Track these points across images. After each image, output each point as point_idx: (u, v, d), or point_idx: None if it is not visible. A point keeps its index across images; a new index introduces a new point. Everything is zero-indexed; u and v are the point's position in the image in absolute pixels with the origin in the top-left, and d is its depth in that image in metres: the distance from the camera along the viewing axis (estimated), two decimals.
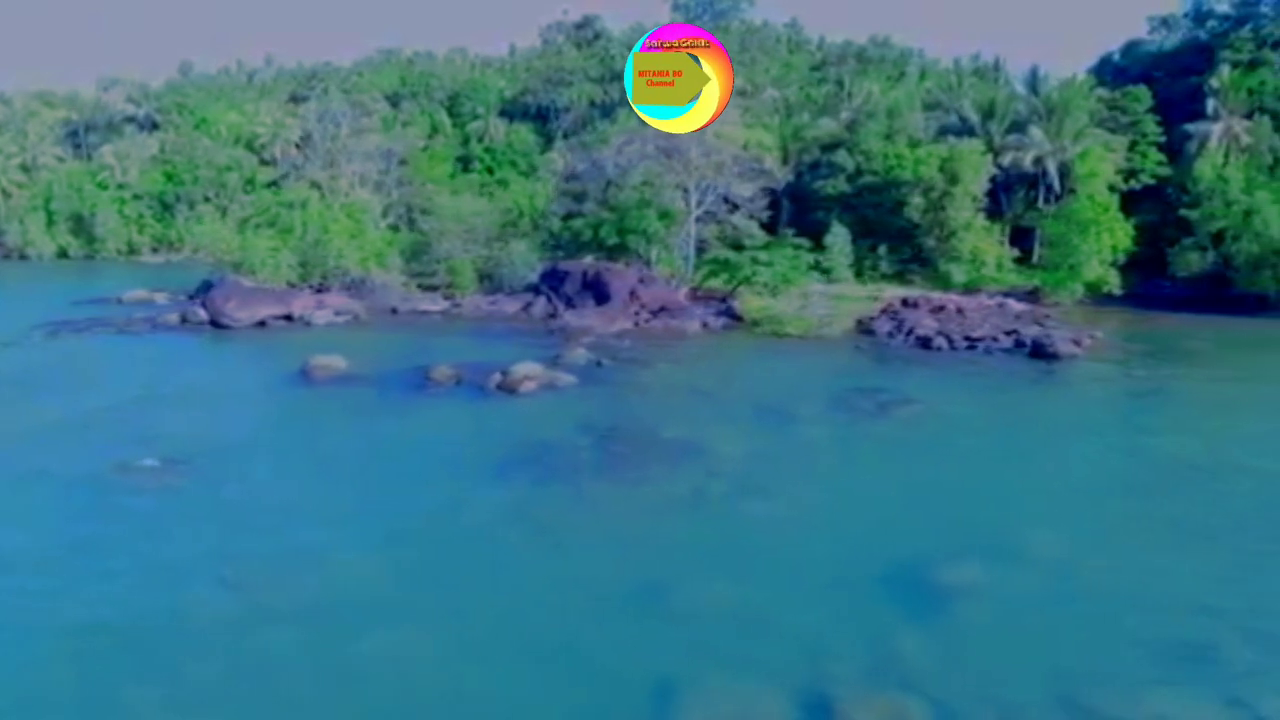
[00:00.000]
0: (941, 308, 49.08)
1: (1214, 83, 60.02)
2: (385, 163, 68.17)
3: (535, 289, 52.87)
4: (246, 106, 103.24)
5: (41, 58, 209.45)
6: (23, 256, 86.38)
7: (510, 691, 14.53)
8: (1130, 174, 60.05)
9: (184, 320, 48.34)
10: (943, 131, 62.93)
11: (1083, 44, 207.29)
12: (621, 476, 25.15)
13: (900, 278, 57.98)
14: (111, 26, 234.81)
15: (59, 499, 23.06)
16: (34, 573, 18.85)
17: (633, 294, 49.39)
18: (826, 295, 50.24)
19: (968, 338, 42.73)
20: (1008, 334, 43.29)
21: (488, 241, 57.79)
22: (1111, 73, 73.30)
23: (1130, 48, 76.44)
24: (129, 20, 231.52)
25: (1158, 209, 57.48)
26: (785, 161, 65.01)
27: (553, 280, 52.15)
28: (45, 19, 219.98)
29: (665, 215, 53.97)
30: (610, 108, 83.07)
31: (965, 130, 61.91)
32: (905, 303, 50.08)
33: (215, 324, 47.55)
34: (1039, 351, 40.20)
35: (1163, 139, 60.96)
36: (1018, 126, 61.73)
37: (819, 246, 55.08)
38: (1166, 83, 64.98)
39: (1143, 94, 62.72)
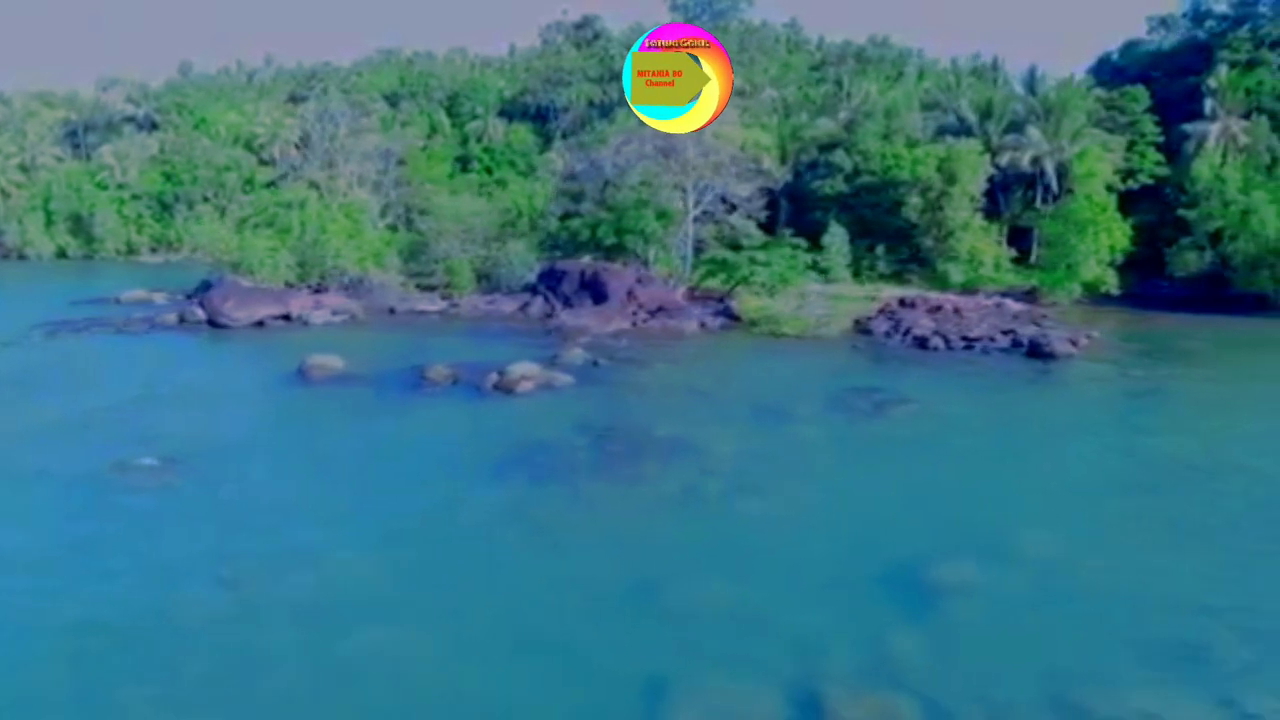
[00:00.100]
0: (939, 308, 49.13)
1: (1212, 83, 60.07)
2: (383, 163, 68.21)
3: (533, 289, 52.92)
4: (246, 106, 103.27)
5: (41, 58, 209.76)
6: (21, 256, 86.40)
7: (504, 690, 14.59)
8: (1128, 174, 60.07)
9: (182, 320, 48.39)
10: (941, 131, 62.97)
11: (1081, 44, 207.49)
12: (617, 476, 25.20)
13: (898, 278, 58.01)
14: (111, 26, 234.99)
15: (57, 498, 23.12)
16: (31, 571, 18.90)
17: (630, 294, 49.43)
18: (824, 295, 50.28)
19: (964, 337, 42.79)
20: (1005, 334, 43.34)
21: (486, 241, 57.84)
22: (1110, 73, 73.35)
23: (1128, 48, 76.46)
24: (129, 20, 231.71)
25: (1156, 209, 57.52)
26: (783, 161, 65.06)
27: (550, 280, 52.19)
28: (45, 19, 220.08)
29: (663, 215, 54.03)
30: (609, 108, 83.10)
31: (963, 130, 61.96)
32: (902, 303, 50.13)
33: (213, 324, 47.60)
34: (1036, 351, 40.27)
35: (1161, 139, 60.99)
36: (1016, 126, 61.78)
37: (817, 246, 55.17)
38: (1165, 83, 65.01)
39: (1141, 94, 62.77)
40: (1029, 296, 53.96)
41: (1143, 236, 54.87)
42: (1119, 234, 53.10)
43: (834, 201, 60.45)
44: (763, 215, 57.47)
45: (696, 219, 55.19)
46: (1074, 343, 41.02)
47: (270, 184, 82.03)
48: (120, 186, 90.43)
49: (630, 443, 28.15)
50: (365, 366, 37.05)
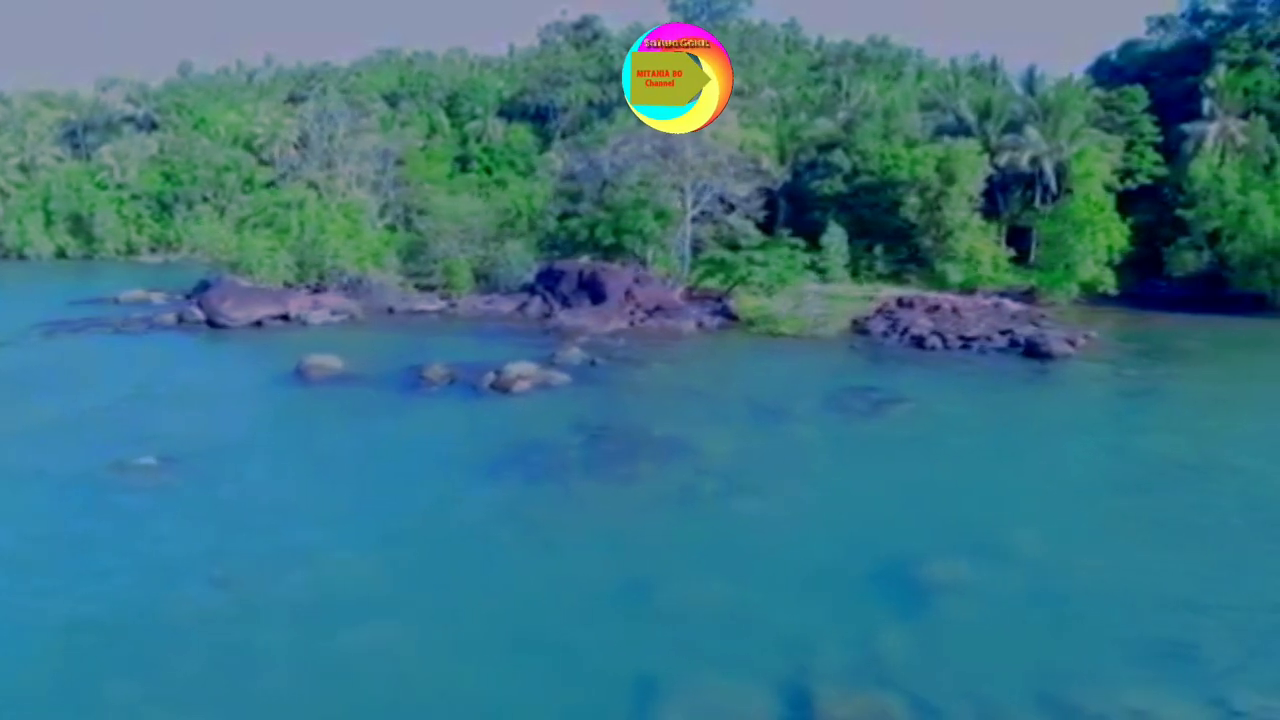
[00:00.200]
0: (937, 307, 49.14)
1: (1210, 83, 60.02)
2: (382, 163, 68.25)
3: (531, 289, 52.97)
4: (245, 106, 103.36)
5: (41, 58, 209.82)
6: (21, 256, 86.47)
7: (497, 688, 14.64)
8: (1126, 174, 60.02)
9: (180, 320, 48.44)
10: (939, 131, 62.95)
11: (1080, 44, 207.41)
12: (612, 475, 25.24)
13: (896, 278, 57.98)
14: (111, 26, 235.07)
15: (53, 497, 23.19)
16: (26, 570, 18.95)
17: (628, 294, 49.47)
18: (822, 295, 50.26)
19: (962, 337, 42.83)
20: (1002, 333, 43.36)
21: (484, 241, 57.88)
22: (1108, 73, 73.28)
23: (1127, 48, 76.39)
24: (129, 20, 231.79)
25: (1154, 209, 57.48)
26: (782, 161, 65.07)
27: (549, 280, 52.25)
28: (45, 19, 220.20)
29: (661, 215, 54.07)
30: (608, 108, 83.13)
31: (962, 130, 61.94)
32: (900, 302, 50.14)
33: (212, 324, 47.64)
34: (1033, 351, 40.29)
35: (1159, 139, 60.95)
36: (1014, 126, 61.75)
37: (815, 246, 55.16)
38: (1163, 83, 64.98)
39: (1139, 94, 62.74)
40: (1027, 296, 53.96)
41: (1141, 236, 54.84)
42: (1117, 234, 53.09)
43: (832, 201, 60.45)
44: (761, 215, 57.46)
45: (695, 219, 55.22)
46: (1071, 342, 41.05)
47: (269, 184, 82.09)
48: (120, 186, 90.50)
49: (626, 442, 28.20)
50: (363, 366, 37.11)
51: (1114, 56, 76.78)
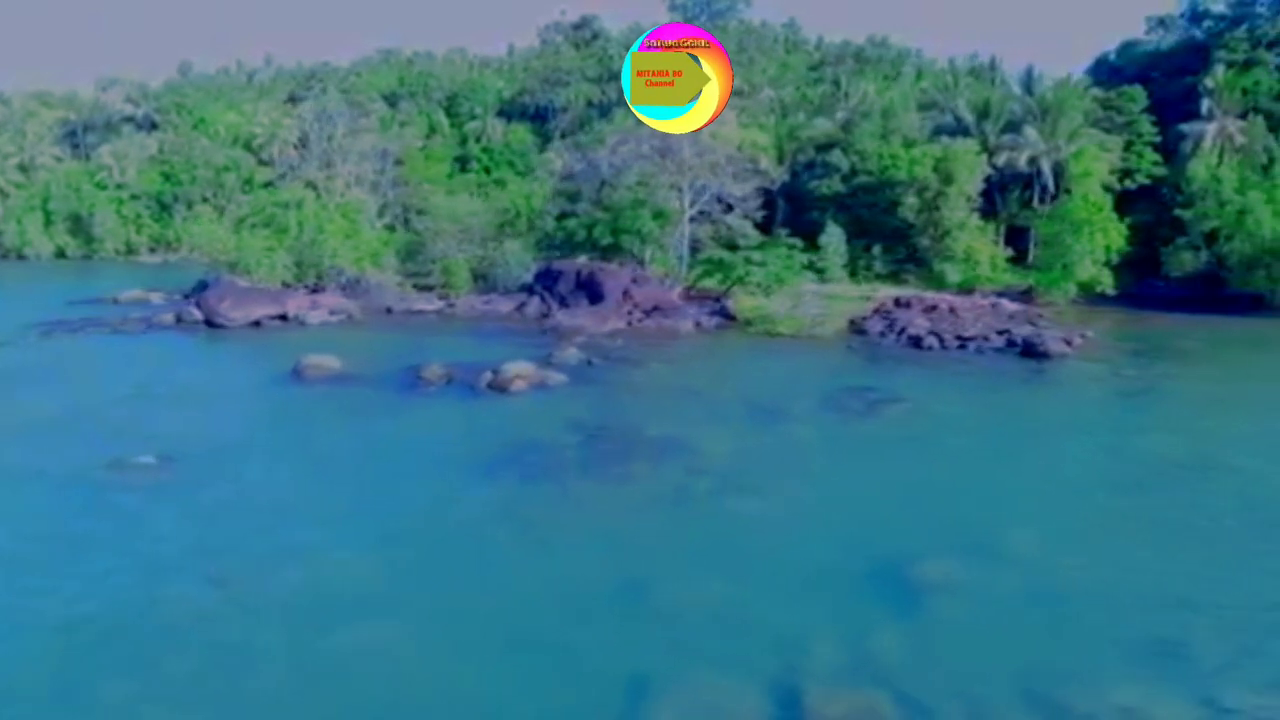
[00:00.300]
0: (934, 307, 49.18)
1: (1209, 83, 60.11)
2: (381, 163, 68.35)
3: (529, 289, 53.01)
4: (245, 107, 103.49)
5: (40, 58, 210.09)
6: (20, 256, 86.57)
7: (492, 687, 14.65)
8: (1125, 174, 60.13)
9: (179, 320, 48.47)
10: (938, 131, 63.05)
11: (1079, 44, 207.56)
12: (609, 474, 25.28)
13: (895, 278, 58.06)
14: (111, 26, 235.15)
15: (52, 496, 23.20)
16: (22, 568, 18.96)
17: (626, 294, 49.51)
18: (820, 295, 50.29)
19: (959, 337, 42.86)
20: (1000, 333, 43.39)
21: (483, 241, 57.97)
22: (1107, 73, 73.37)
23: (1126, 48, 76.46)
24: (128, 20, 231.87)
25: (1152, 209, 57.56)
26: (780, 161, 65.14)
27: (547, 280, 52.29)
28: (45, 19, 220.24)
29: (660, 215, 54.10)
30: (608, 108, 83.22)
31: (960, 130, 62.05)
32: (898, 302, 50.18)
33: (210, 324, 47.67)
34: (1030, 351, 40.33)
35: (1158, 139, 61.07)
36: (1013, 126, 61.86)
37: (814, 246, 55.21)
38: (1162, 83, 65.07)
39: (1138, 94, 62.81)
40: (1025, 296, 54.02)
41: (1139, 236, 54.89)
42: (1115, 234, 53.12)
43: (831, 201, 60.52)
44: (759, 215, 57.54)
45: (693, 219, 55.26)
46: (1068, 342, 41.09)
47: (268, 184, 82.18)
48: (119, 186, 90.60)
49: (622, 442, 28.24)
50: (361, 366, 37.13)
51: (1113, 56, 76.85)
